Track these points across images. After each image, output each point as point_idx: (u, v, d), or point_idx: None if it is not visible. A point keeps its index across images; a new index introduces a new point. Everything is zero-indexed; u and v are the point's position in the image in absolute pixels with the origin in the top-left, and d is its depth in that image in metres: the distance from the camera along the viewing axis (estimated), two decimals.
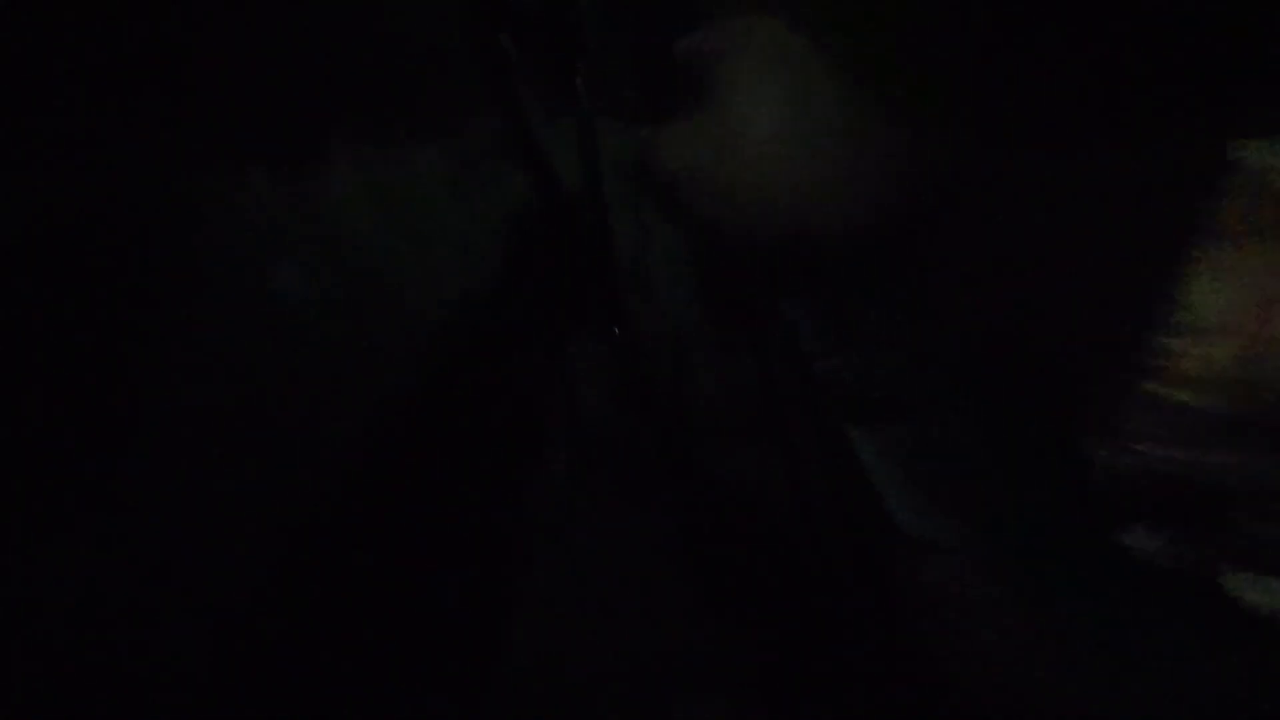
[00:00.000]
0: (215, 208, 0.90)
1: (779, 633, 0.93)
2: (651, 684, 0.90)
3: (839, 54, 0.78)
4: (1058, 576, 0.78)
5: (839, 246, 0.81)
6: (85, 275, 0.87)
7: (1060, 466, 0.73)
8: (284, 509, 0.87)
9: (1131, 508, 0.68)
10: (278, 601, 0.87)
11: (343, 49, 0.93)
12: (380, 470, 0.91)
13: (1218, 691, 0.74)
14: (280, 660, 0.86)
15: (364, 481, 0.90)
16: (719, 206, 0.84)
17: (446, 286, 0.94)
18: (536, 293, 0.96)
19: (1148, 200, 0.65)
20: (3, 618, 0.82)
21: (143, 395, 0.87)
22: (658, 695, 0.90)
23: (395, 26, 0.95)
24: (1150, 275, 0.64)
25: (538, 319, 0.96)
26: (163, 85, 0.88)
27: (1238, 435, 0.63)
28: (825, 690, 0.90)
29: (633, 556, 0.92)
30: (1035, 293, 0.71)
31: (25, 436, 0.85)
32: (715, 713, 0.90)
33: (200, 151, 0.90)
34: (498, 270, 0.94)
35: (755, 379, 0.94)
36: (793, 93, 0.78)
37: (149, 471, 0.87)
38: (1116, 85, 0.68)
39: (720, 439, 0.94)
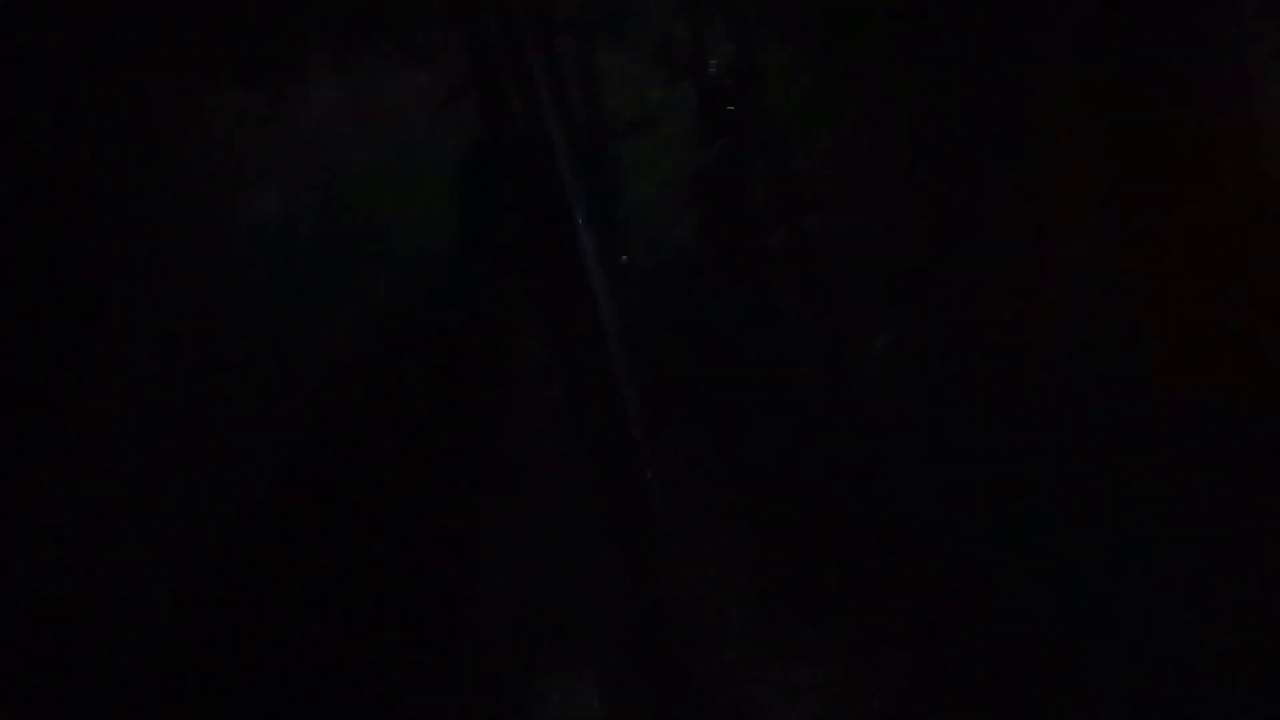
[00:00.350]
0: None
1: None
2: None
3: None
4: None
5: None
6: (49, 196, 0.93)
7: None
8: (256, 438, 0.94)
9: None
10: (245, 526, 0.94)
11: None
12: (345, 407, 0.99)
13: None
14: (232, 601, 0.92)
15: (334, 415, 0.98)
16: None
17: (422, 224, 1.02)
18: (514, 230, 1.02)
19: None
20: None
21: (108, 326, 0.93)
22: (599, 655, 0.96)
23: None
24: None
25: (513, 257, 1.03)
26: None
27: None
28: None
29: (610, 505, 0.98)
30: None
31: None
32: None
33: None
34: (473, 208, 1.02)
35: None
36: None
37: (120, 393, 0.93)
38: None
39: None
